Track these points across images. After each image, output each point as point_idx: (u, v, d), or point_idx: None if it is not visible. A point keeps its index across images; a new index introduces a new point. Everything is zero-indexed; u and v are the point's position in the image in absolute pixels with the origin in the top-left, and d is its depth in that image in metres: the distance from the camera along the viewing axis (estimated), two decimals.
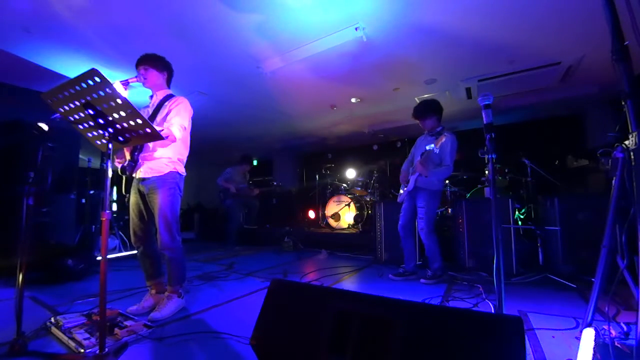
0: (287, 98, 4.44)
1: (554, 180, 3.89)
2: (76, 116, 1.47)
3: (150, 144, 2.04)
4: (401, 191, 3.08)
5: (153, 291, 2.16)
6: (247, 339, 1.28)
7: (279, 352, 1.14)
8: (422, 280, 2.80)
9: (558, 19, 2.66)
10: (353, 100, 4.59)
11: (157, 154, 2.05)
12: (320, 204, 6.33)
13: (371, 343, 0.98)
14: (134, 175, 2.10)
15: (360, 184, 5.70)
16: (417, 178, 2.85)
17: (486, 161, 1.56)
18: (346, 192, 5.82)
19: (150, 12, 2.53)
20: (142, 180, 2.07)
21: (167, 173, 2.05)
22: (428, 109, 2.93)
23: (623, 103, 1.25)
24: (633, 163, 1.24)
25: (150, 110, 2.14)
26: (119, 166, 2.07)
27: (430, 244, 2.82)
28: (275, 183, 6.65)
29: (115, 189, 4.52)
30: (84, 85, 1.30)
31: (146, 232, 2.12)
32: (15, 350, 1.43)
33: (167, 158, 2.06)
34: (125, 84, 1.86)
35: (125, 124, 1.43)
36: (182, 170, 2.15)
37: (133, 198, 2.12)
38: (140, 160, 2.07)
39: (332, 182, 6.25)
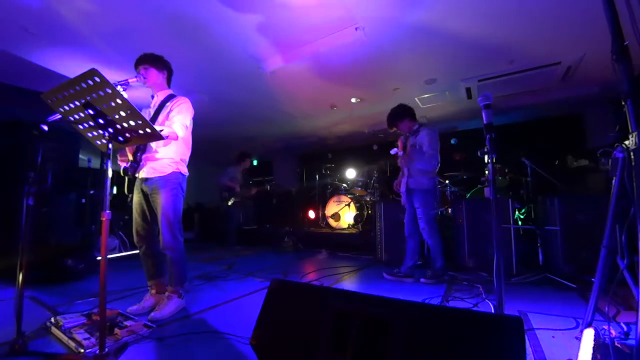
0: (287, 98, 4.44)
1: (554, 180, 3.89)
2: (76, 116, 1.47)
3: (153, 145, 2.05)
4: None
5: (153, 291, 2.16)
6: (247, 339, 1.28)
7: (279, 352, 1.13)
8: (422, 280, 2.80)
9: (558, 19, 2.66)
10: (353, 100, 4.59)
11: (159, 155, 2.06)
12: (320, 204, 6.33)
13: (371, 343, 0.98)
14: (136, 175, 2.10)
15: (360, 184, 5.71)
16: (408, 180, 2.90)
17: (486, 161, 1.56)
18: (346, 192, 5.82)
19: (150, 12, 2.53)
20: (145, 180, 2.07)
21: (170, 173, 2.06)
22: (397, 114, 3.01)
23: (623, 103, 1.25)
24: (633, 163, 1.24)
25: (152, 111, 2.15)
26: (122, 165, 2.08)
27: (433, 242, 2.82)
28: (271, 182, 6.61)
29: (115, 188, 4.52)
30: (84, 85, 1.30)
31: (149, 232, 2.13)
32: (15, 350, 1.43)
33: (169, 158, 2.07)
34: (126, 84, 1.86)
35: (125, 124, 1.43)
36: (184, 170, 2.16)
37: (136, 198, 2.13)
38: (142, 161, 2.08)
39: (332, 182, 6.25)
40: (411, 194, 2.90)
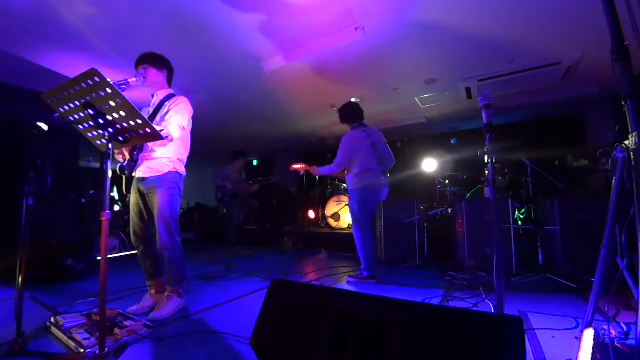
0: (287, 97, 4.44)
1: (554, 180, 3.89)
2: (76, 116, 1.47)
3: (150, 144, 2.04)
4: None
5: (153, 291, 2.16)
6: (247, 339, 1.28)
7: (279, 352, 1.13)
8: (347, 278, 2.86)
9: (558, 19, 2.66)
10: (353, 100, 4.58)
11: (156, 154, 2.05)
12: (320, 204, 6.32)
13: (371, 343, 0.98)
14: (133, 174, 2.10)
15: None
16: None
17: (486, 161, 1.56)
18: (346, 192, 5.81)
19: (150, 12, 2.53)
20: (142, 180, 2.07)
21: (167, 173, 2.05)
22: (340, 115, 3.17)
23: (623, 103, 1.25)
24: (633, 163, 1.24)
25: (151, 110, 2.14)
26: (120, 159, 2.07)
27: (355, 240, 2.84)
28: (271, 178, 6.56)
29: (116, 188, 4.53)
30: (83, 85, 1.30)
31: (146, 232, 2.12)
32: (15, 350, 1.43)
33: (166, 158, 2.06)
34: (125, 84, 1.86)
35: (125, 124, 1.43)
36: (182, 170, 2.14)
37: (133, 198, 2.12)
38: (139, 160, 2.07)
39: (332, 182, 6.25)
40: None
